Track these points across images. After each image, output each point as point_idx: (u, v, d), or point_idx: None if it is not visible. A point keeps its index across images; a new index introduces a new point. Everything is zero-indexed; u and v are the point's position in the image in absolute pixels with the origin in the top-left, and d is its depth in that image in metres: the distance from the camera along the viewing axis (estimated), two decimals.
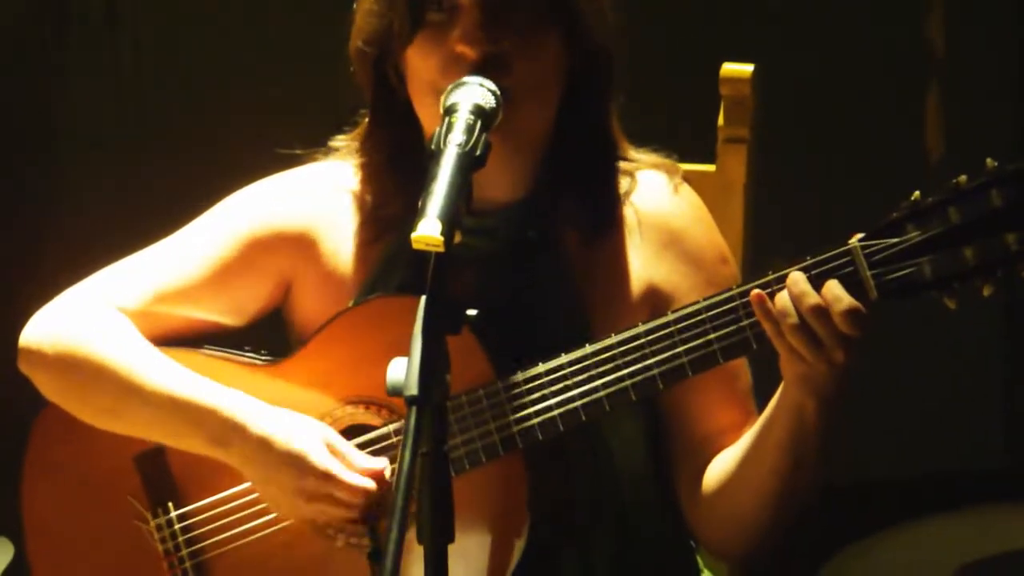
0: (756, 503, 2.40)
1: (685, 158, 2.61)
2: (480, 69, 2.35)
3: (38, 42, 3.84)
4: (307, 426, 2.42)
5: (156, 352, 2.49)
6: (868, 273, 2.23)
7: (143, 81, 3.77)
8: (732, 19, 3.61)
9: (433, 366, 2.03)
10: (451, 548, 2.02)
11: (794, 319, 2.22)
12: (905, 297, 2.25)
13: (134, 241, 2.59)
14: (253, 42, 3.42)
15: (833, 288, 2.21)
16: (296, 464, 2.39)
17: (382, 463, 2.39)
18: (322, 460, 2.37)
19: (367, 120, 2.53)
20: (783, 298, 2.23)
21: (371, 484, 2.36)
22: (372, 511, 2.39)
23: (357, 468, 2.38)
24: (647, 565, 2.51)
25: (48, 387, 2.53)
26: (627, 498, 2.50)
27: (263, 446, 2.41)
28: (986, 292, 2.23)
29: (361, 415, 2.46)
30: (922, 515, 3.53)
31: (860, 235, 2.24)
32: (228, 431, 2.42)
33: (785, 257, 2.27)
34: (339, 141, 2.57)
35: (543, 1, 2.41)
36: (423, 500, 1.99)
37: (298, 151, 2.59)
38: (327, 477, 2.36)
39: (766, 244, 2.56)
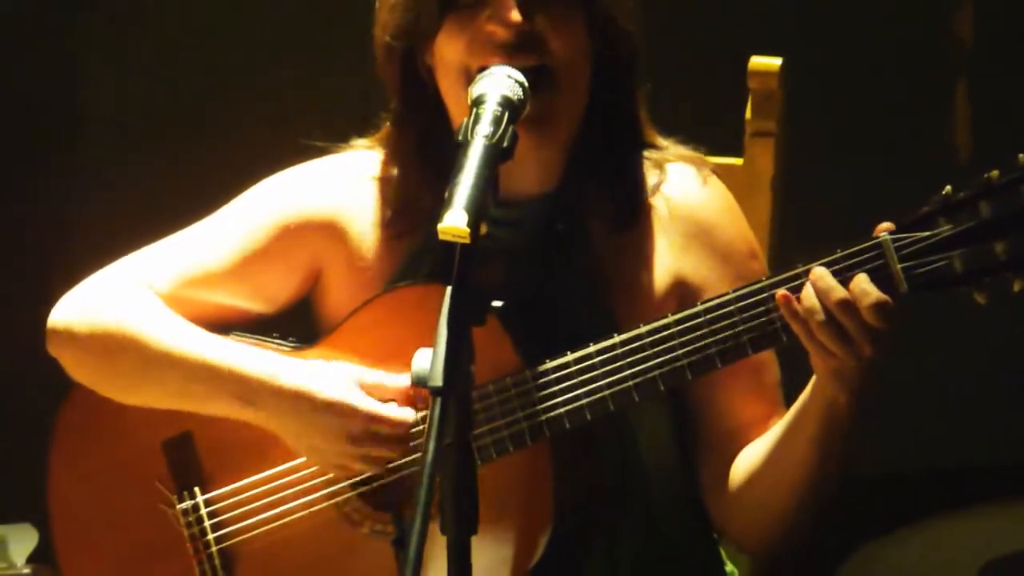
0: (784, 496, 2.40)
1: (713, 151, 2.61)
2: (514, 48, 2.36)
3: (64, 29, 3.84)
4: (339, 371, 2.42)
5: (183, 320, 2.50)
6: (898, 267, 2.22)
7: (168, 68, 3.79)
8: (760, 13, 3.59)
9: (457, 357, 2.02)
10: (475, 538, 2.01)
11: (821, 316, 2.21)
12: (935, 291, 2.24)
13: (160, 229, 2.60)
14: (277, 30, 3.43)
15: (861, 282, 2.20)
16: (338, 409, 2.39)
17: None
18: (364, 401, 2.38)
19: (393, 113, 2.53)
20: (809, 296, 2.22)
21: (411, 414, 2.38)
22: (398, 498, 2.40)
23: (395, 392, 2.39)
24: (671, 557, 2.51)
25: (77, 365, 2.53)
26: (653, 489, 2.50)
27: (299, 397, 2.41)
28: (1017, 287, 2.22)
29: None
30: (947, 510, 3.53)
31: (885, 224, 2.24)
32: (259, 388, 2.43)
33: (813, 248, 2.26)
34: (360, 142, 2.59)
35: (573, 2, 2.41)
36: (447, 491, 1.99)
37: (319, 144, 2.60)
38: (371, 417, 2.37)
39: (793, 238, 2.55)
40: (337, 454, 2.40)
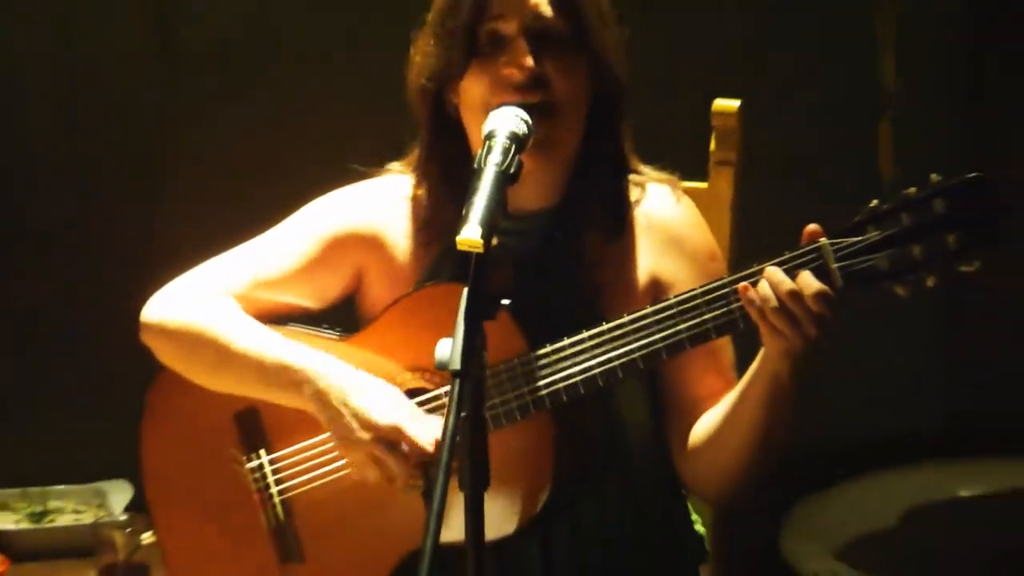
0: (736, 453, 2.37)
1: (683, 176, 2.59)
2: (524, 87, 2.34)
3: (153, 76, 3.83)
4: (380, 384, 2.40)
5: (252, 322, 2.49)
6: (834, 266, 2.21)
7: (238, 107, 3.78)
8: (722, 63, 3.63)
9: (472, 346, 2.02)
10: (487, 493, 2.02)
11: (774, 303, 2.20)
12: (864, 285, 2.23)
13: (231, 239, 2.58)
14: (329, 81, 3.42)
15: (806, 276, 2.20)
16: (363, 419, 2.36)
17: (437, 432, 2.35)
18: (392, 415, 2.35)
19: (424, 143, 2.50)
20: (764, 287, 2.21)
21: (431, 446, 2.34)
22: (426, 460, 2.36)
23: (420, 429, 2.35)
24: (648, 508, 2.49)
25: (164, 354, 2.51)
26: (633, 452, 2.47)
27: (337, 399, 2.38)
28: (930, 283, 2.21)
29: (418, 380, 2.44)
30: (873, 471, 3.52)
31: (812, 226, 2.24)
32: (307, 386, 2.40)
33: (765, 255, 2.25)
34: (394, 167, 2.56)
35: (571, 35, 2.37)
36: (464, 454, 1.99)
37: (361, 168, 2.56)
38: (395, 430, 2.34)
39: (749, 247, 2.53)
40: (353, 455, 2.39)
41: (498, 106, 2.30)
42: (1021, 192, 2.31)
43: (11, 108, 3.78)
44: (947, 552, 3.40)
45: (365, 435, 2.35)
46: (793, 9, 3.84)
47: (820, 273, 2.22)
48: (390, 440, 2.34)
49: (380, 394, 2.37)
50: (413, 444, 2.33)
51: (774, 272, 2.21)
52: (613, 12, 2.44)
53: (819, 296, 2.19)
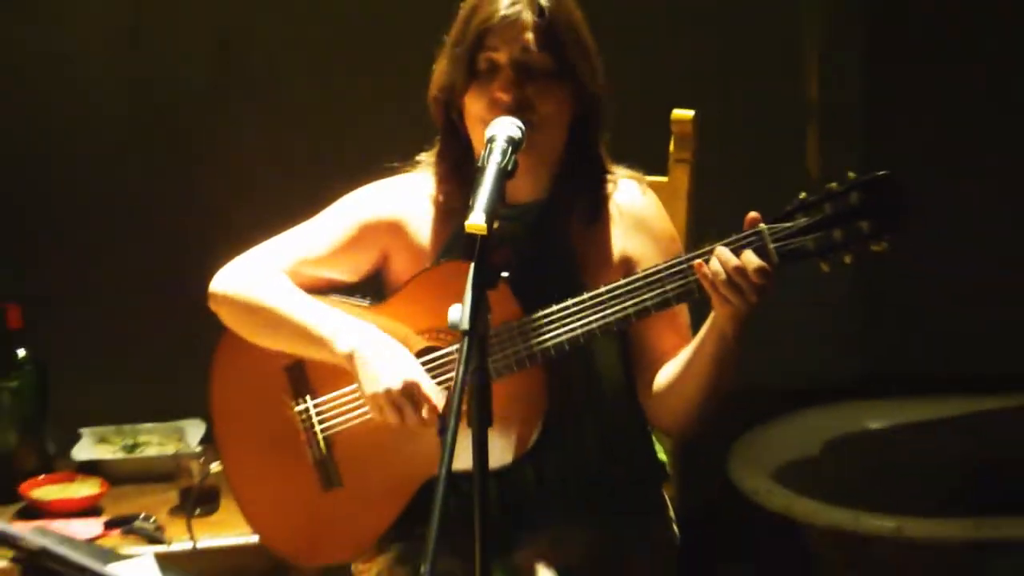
0: (691, 397, 2.38)
1: (648, 172, 2.59)
2: (513, 108, 2.32)
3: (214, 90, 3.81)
4: (399, 346, 2.39)
5: (300, 293, 2.48)
6: (771, 246, 2.22)
7: (290, 119, 3.77)
8: (680, 80, 3.65)
9: (479, 310, 2.03)
10: (491, 430, 2.03)
11: (723, 276, 2.21)
12: (795, 262, 2.24)
13: (283, 223, 2.57)
14: (365, 92, 3.39)
15: (749, 254, 2.21)
16: (387, 372, 2.35)
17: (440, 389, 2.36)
18: (402, 371, 2.34)
19: (438, 145, 2.50)
20: (715, 262, 2.22)
21: (436, 400, 2.34)
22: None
23: (430, 386, 2.35)
24: (619, 440, 2.49)
25: (227, 318, 2.50)
26: (607, 397, 2.47)
27: (362, 358, 2.37)
28: (847, 260, 2.22)
29: (432, 340, 2.43)
30: (802, 409, 3.53)
31: (752, 214, 2.26)
32: (339, 347, 2.39)
33: (716, 237, 2.26)
34: (422, 156, 2.54)
35: (553, 64, 2.36)
36: (472, 399, 2.01)
37: (389, 165, 2.56)
38: (412, 384, 2.33)
39: (701, 230, 2.51)
40: (374, 401, 2.36)
41: (494, 120, 2.29)
42: (919, 186, 2.31)
43: (91, 118, 3.75)
44: (857, 473, 3.41)
45: (385, 387, 2.33)
46: (738, 37, 3.86)
47: (760, 252, 2.22)
48: (406, 392, 2.33)
49: (398, 355, 2.37)
50: (424, 397, 2.33)
51: (723, 251, 2.22)
52: (594, 45, 2.42)
53: (759, 271, 2.20)
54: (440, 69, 2.44)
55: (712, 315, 2.30)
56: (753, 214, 2.25)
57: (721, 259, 2.22)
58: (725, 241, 2.25)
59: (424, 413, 2.34)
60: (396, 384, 2.33)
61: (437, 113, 2.46)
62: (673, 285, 2.28)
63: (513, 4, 2.35)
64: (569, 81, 2.38)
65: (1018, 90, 4.00)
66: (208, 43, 3.75)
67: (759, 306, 2.23)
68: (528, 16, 2.35)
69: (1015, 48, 3.97)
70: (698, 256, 2.25)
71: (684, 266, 2.27)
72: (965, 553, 3.01)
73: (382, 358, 2.35)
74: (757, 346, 2.35)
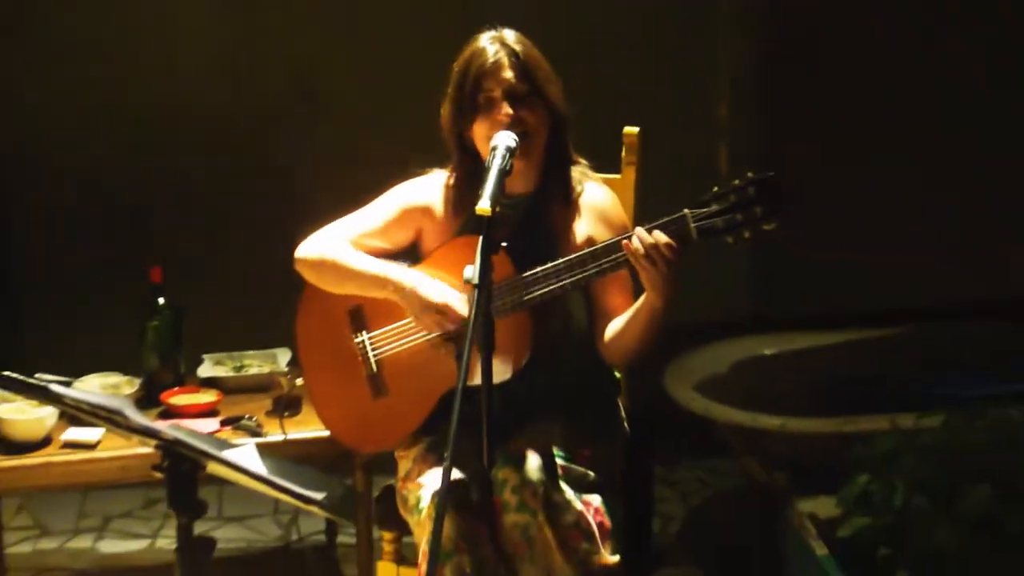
0: (630, 343, 2.36)
1: (606, 171, 2.58)
2: (509, 125, 2.32)
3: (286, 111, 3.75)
4: (435, 284, 2.36)
5: (360, 252, 2.46)
6: (692, 226, 2.20)
7: (349, 131, 3.76)
8: (632, 103, 3.58)
9: (486, 269, 2.05)
10: (494, 355, 2.07)
11: (642, 251, 2.19)
12: (709, 238, 2.21)
13: (346, 208, 2.56)
14: (403, 110, 3.27)
15: (659, 234, 2.20)
16: (427, 302, 2.34)
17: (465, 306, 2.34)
18: (441, 299, 2.33)
19: (454, 159, 2.48)
20: (635, 240, 2.21)
21: (464, 313, 2.31)
22: (458, 335, 2.34)
23: (458, 306, 2.34)
24: (586, 364, 2.47)
25: (309, 275, 2.49)
26: (577, 334, 2.45)
27: (412, 292, 2.36)
28: (746, 235, 2.19)
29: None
30: (715, 341, 3.53)
31: (685, 209, 2.21)
32: (394, 286, 2.38)
33: (653, 219, 2.23)
34: (442, 170, 2.51)
35: (529, 88, 2.36)
36: (480, 332, 2.04)
37: (420, 170, 2.55)
38: (442, 307, 2.33)
39: (644, 215, 2.45)
40: (424, 321, 2.37)
41: (496, 135, 2.28)
42: (799, 182, 2.38)
43: (200, 136, 3.73)
44: (753, 385, 3.41)
45: (432, 306, 2.33)
46: (673, 70, 3.80)
47: (683, 230, 2.19)
48: (443, 309, 2.32)
49: (438, 287, 2.35)
50: (455, 313, 2.32)
51: (641, 232, 2.20)
52: (555, 74, 2.41)
53: (667, 246, 2.18)
54: (447, 112, 2.42)
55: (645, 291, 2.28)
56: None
57: (640, 238, 2.20)
58: (658, 223, 2.22)
59: (451, 325, 2.33)
60: (439, 302, 2.32)
61: (450, 141, 2.44)
62: (611, 258, 2.26)
63: (495, 54, 2.36)
64: (542, 100, 2.37)
65: (876, 103, 3.90)
66: (289, 75, 3.74)
67: (673, 275, 2.20)
68: (506, 59, 2.35)
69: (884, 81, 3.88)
70: (626, 237, 2.23)
71: (616, 244, 2.25)
72: (830, 441, 3.02)
73: (430, 289, 2.35)
74: (687, 294, 2.32)
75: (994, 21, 3.82)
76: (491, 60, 2.35)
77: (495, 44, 2.37)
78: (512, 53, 2.36)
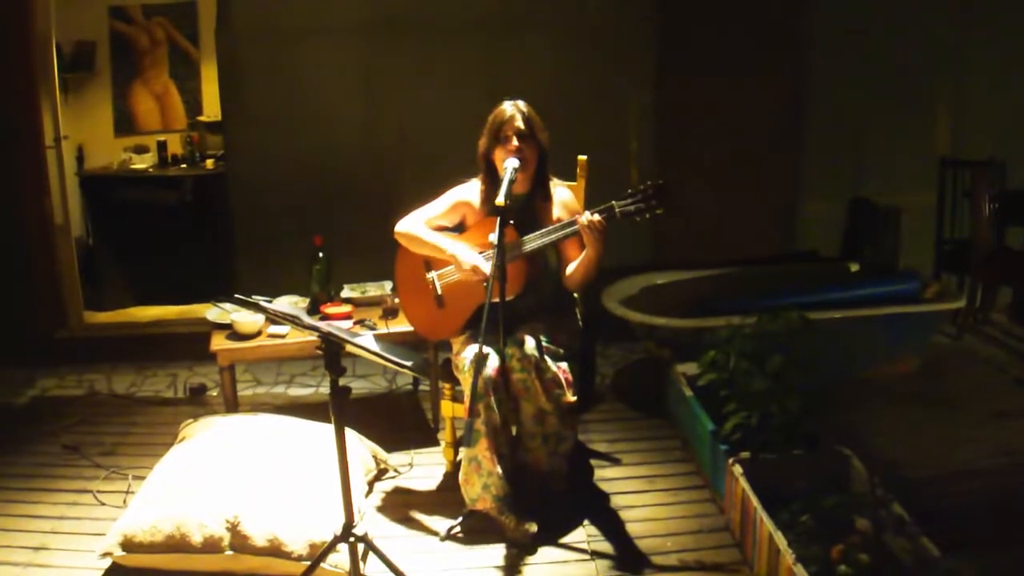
0: (581, 275, 2.33)
1: (567, 179, 2.52)
2: (515, 154, 2.29)
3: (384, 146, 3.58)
4: (471, 252, 2.35)
5: (430, 231, 2.42)
6: (618, 211, 2.19)
7: (425, 160, 3.59)
8: (583, 140, 3.20)
9: (502, 234, 2.08)
10: (506, 283, 2.06)
11: (587, 225, 2.19)
12: (627, 218, 2.19)
13: (422, 203, 2.49)
14: (462, 146, 2.95)
15: (597, 216, 2.18)
16: (467, 262, 2.32)
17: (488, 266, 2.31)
18: (473, 261, 2.31)
19: (483, 169, 2.42)
20: (582, 219, 2.19)
21: (487, 271, 2.30)
22: (484, 278, 2.31)
23: (483, 265, 2.31)
24: (557, 294, 2.44)
25: (402, 241, 2.45)
26: (551, 275, 2.43)
27: (458, 255, 2.33)
28: (648, 216, 2.16)
29: (484, 248, 2.36)
30: (629, 276, 3.43)
31: (613, 202, 2.18)
32: (448, 251, 2.34)
33: (594, 208, 2.20)
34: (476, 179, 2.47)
35: (529, 132, 2.33)
36: (498, 272, 2.03)
37: (465, 179, 2.49)
38: (475, 267, 2.31)
39: (589, 206, 2.41)
40: (464, 274, 2.33)
41: (507, 159, 2.27)
42: (680, 184, 2.26)
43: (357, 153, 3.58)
44: (652, 301, 3.32)
45: (467, 264, 2.32)
46: (601, 129, 3.63)
47: (611, 214, 2.19)
48: (473, 266, 2.31)
49: (471, 253, 2.34)
50: (480, 271, 2.30)
51: (587, 214, 2.20)
52: (543, 125, 2.38)
53: (599, 222, 2.18)
54: (482, 144, 2.41)
55: (586, 242, 2.27)
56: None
57: (587, 218, 2.20)
58: (597, 209, 2.22)
59: (478, 275, 2.32)
60: (471, 262, 2.32)
61: (482, 162, 2.43)
62: (570, 229, 2.25)
63: (511, 112, 2.35)
64: (535, 141, 2.36)
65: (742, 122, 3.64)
66: (392, 128, 3.65)
67: (603, 239, 2.21)
68: (517, 115, 2.35)
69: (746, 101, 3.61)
70: (578, 217, 2.22)
71: (573, 221, 2.24)
72: (694, 334, 3.01)
73: (466, 255, 2.35)
74: (614, 249, 2.31)
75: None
76: (508, 115, 2.35)
77: (512, 107, 2.37)
78: (520, 112, 2.33)
